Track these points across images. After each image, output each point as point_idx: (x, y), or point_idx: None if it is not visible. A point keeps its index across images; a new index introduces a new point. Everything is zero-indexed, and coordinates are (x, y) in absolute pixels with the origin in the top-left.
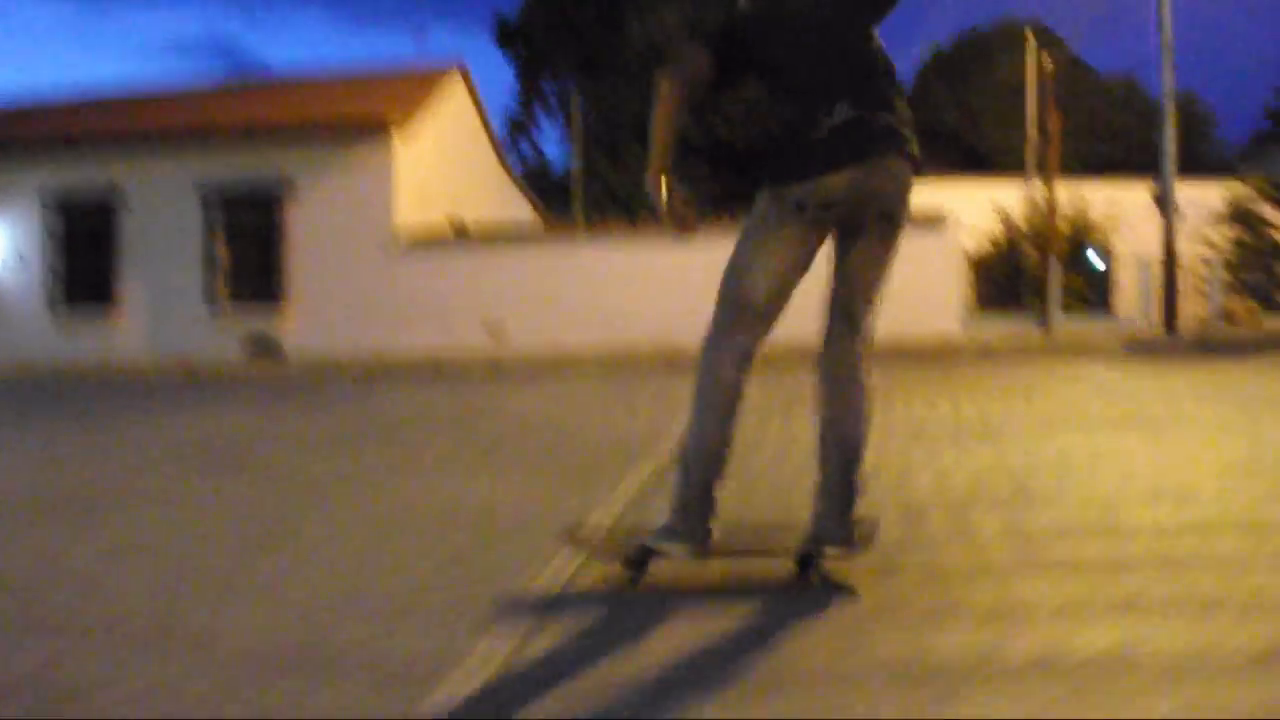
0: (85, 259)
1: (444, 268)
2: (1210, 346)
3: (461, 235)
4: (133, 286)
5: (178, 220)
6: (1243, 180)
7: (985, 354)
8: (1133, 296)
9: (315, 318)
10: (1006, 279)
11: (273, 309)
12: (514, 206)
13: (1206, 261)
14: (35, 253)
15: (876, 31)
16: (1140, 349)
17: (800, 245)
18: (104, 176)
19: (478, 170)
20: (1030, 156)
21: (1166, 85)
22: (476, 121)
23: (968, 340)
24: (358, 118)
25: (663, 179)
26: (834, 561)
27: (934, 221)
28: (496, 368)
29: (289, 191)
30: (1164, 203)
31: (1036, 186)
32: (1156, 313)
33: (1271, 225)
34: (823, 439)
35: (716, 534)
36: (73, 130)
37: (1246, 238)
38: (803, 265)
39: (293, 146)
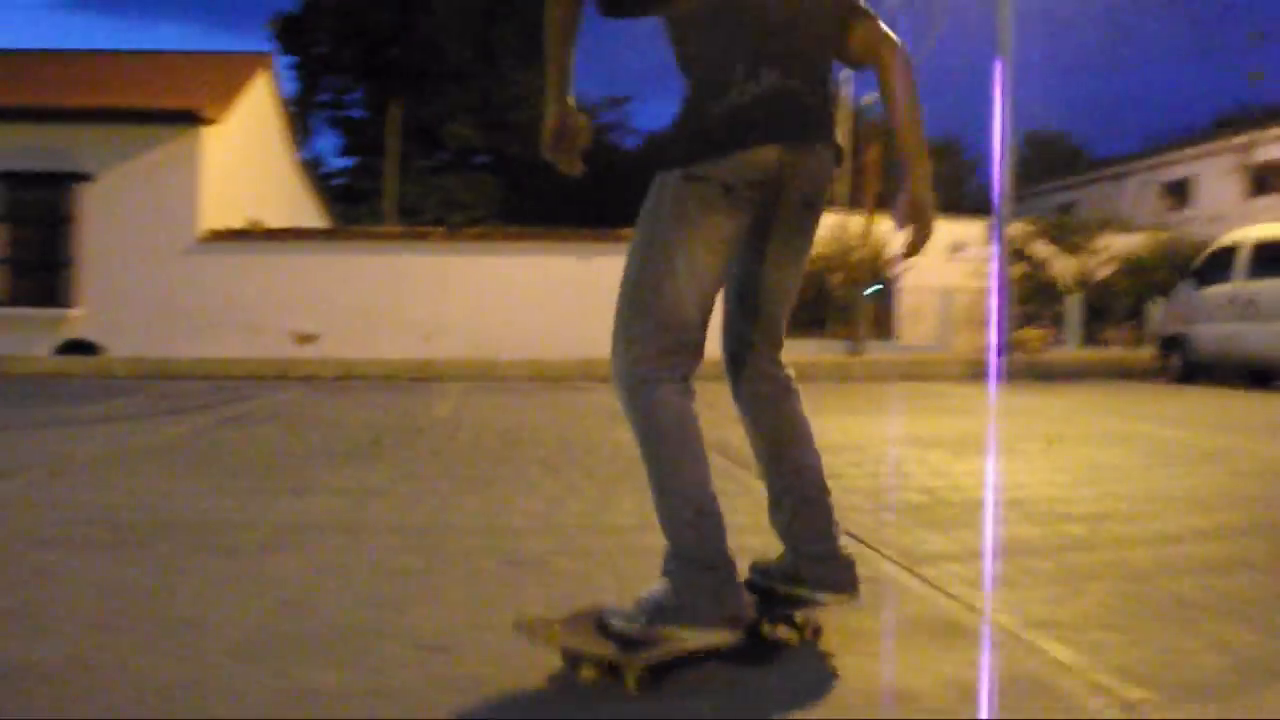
0: None
1: (252, 271)
2: (1041, 373)
3: (272, 235)
4: None
5: None
6: (1021, 220)
7: (840, 376)
8: (920, 326)
9: (107, 320)
10: (812, 304)
11: (59, 310)
12: (307, 212)
13: (985, 293)
14: None
15: None
16: (978, 373)
17: (728, 240)
18: None
19: (275, 170)
20: (842, 188)
21: (999, 135)
22: (277, 119)
23: (802, 362)
24: (167, 105)
25: (552, 105)
26: (828, 611)
27: None
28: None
29: (84, 181)
30: (998, 238)
31: (849, 218)
32: (955, 340)
33: (1045, 261)
34: (773, 475)
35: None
36: None
37: (1028, 272)
38: (727, 265)
39: (89, 131)
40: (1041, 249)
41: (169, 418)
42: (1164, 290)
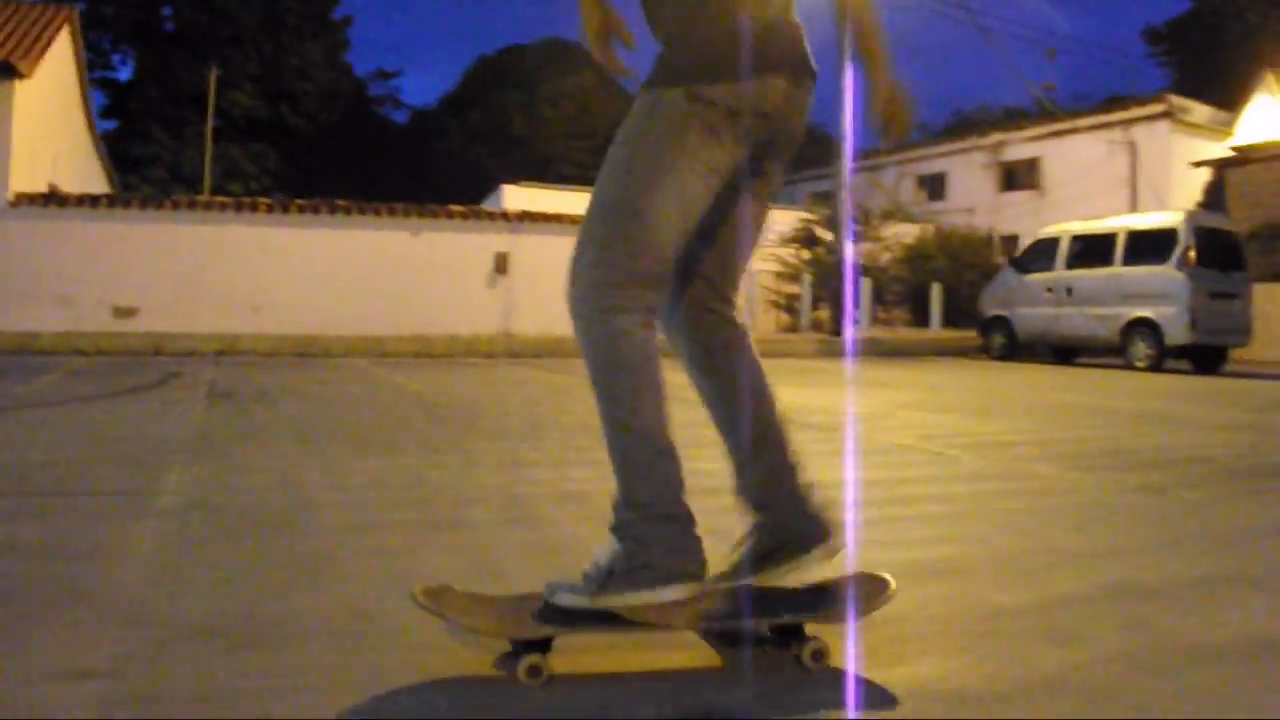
0: None
1: (67, 239)
2: (883, 350)
3: (88, 201)
4: None
5: None
6: (809, 209)
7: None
8: None
9: None
10: None
11: None
12: (96, 178)
13: (779, 277)
14: None
15: None
16: (829, 352)
17: (722, 171)
18: None
19: (72, 132)
20: None
21: (849, 126)
22: (76, 78)
23: None
24: None
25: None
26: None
27: (577, 223)
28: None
29: None
30: (837, 225)
31: None
32: (759, 321)
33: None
34: (736, 434)
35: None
36: None
37: (819, 256)
38: (714, 200)
39: None
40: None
41: (152, 396)
42: (939, 276)
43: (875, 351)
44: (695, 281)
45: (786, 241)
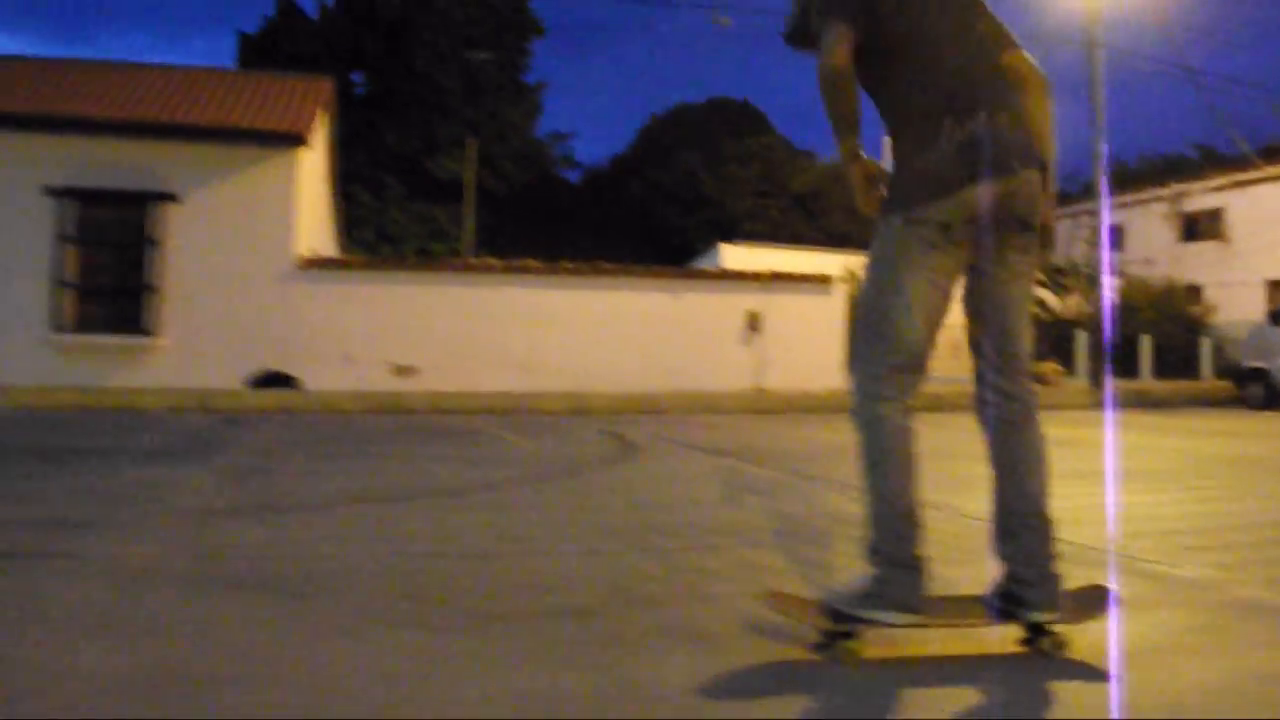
0: None
1: (349, 301)
2: (1143, 401)
3: (369, 264)
4: None
5: (15, 224)
6: None
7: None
8: None
9: (191, 349)
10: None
11: (138, 338)
12: (329, 240)
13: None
14: None
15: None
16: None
17: (949, 274)
18: None
19: (325, 198)
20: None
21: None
22: (328, 145)
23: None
24: (266, 125)
25: (854, 158)
26: (1058, 629)
27: (823, 282)
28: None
29: (168, 202)
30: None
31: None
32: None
33: (1043, 301)
34: (999, 495)
35: (926, 601)
36: None
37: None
38: (949, 296)
39: (176, 149)
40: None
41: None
42: (1149, 329)
43: (1143, 403)
44: (980, 361)
45: None
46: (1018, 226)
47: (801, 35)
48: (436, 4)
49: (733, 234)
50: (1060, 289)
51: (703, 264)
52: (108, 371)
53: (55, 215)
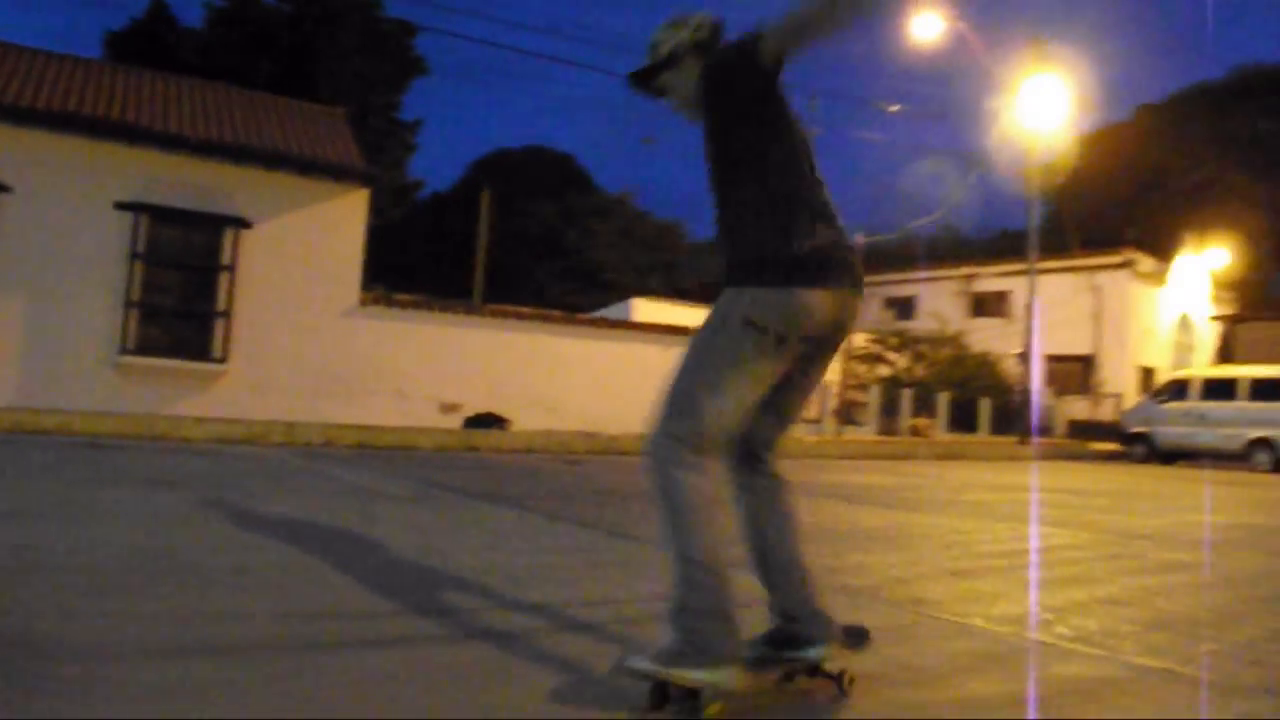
0: None
1: (403, 339)
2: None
3: (419, 304)
4: (6, 317)
5: (84, 240)
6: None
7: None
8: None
9: (256, 378)
10: None
11: (208, 364)
12: None
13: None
14: None
15: None
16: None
17: (773, 376)
18: None
19: None
20: None
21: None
22: None
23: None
24: (340, 160)
25: None
26: (836, 662)
27: None
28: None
29: (241, 227)
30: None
31: None
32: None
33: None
34: (763, 559)
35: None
36: None
37: (892, 374)
38: (769, 390)
39: (252, 174)
40: (894, 356)
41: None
42: (959, 386)
43: (1051, 455)
44: (760, 449)
45: (854, 358)
46: (837, 343)
47: (650, 76)
48: (341, 37)
49: (594, 285)
50: (894, 351)
51: (614, 315)
52: (173, 397)
53: (127, 231)
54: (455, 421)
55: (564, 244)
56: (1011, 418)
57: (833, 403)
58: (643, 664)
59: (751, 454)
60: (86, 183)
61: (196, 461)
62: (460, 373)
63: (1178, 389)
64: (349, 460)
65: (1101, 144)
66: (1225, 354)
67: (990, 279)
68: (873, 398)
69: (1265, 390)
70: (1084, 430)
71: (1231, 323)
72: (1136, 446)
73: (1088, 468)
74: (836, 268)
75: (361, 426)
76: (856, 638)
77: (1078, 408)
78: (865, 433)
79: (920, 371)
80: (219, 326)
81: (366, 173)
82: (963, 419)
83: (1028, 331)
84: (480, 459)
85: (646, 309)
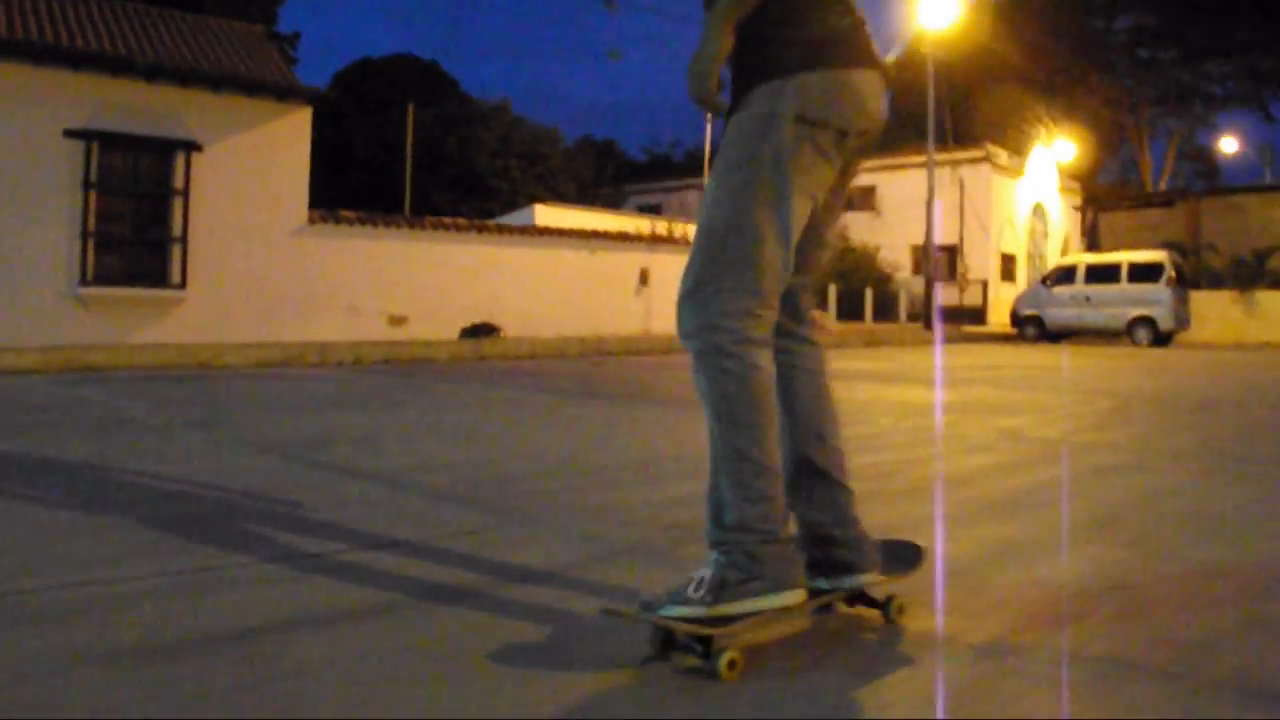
0: None
1: (350, 254)
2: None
3: (364, 220)
4: None
5: (35, 170)
6: None
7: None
8: None
9: (210, 304)
10: None
11: (168, 291)
12: None
13: None
14: None
15: None
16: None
17: (826, 189)
18: None
19: None
20: None
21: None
22: None
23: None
24: (287, 82)
25: (727, 19)
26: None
27: (686, 243)
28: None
29: (194, 151)
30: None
31: None
32: None
33: None
34: (799, 461)
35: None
36: None
37: None
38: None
39: (200, 97)
40: None
41: None
42: (843, 278)
43: (953, 339)
44: (786, 304)
45: None
46: (875, 139)
47: None
48: None
49: (475, 193)
50: None
51: (518, 221)
52: (134, 327)
53: (78, 159)
54: (401, 333)
55: (443, 152)
56: (891, 306)
57: None
58: (682, 610)
59: (785, 315)
60: (34, 111)
61: (318, 384)
62: (404, 285)
63: (1064, 274)
64: (412, 373)
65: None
66: (1091, 242)
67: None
68: None
69: (1143, 273)
70: (954, 315)
71: (1094, 212)
72: (1028, 328)
73: (995, 348)
74: (872, 48)
75: (388, 342)
76: (906, 558)
77: (947, 295)
78: None
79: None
80: (175, 252)
81: (309, 91)
82: (849, 309)
83: (928, 226)
84: (508, 367)
85: (548, 215)
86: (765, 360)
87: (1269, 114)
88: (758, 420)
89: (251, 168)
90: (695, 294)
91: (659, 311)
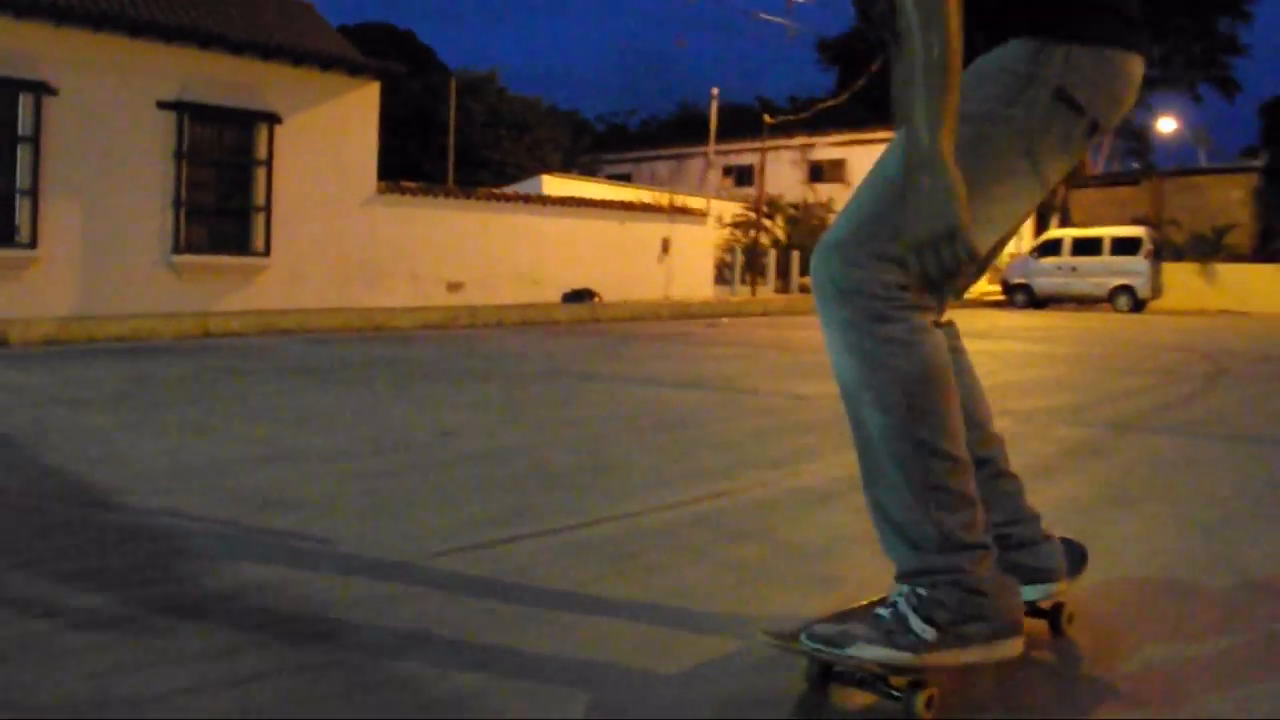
0: None
1: (414, 224)
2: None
3: (426, 190)
4: (57, 222)
5: (132, 140)
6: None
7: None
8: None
9: (293, 271)
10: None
11: (254, 258)
12: None
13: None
14: None
15: None
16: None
17: (1052, 185)
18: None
19: None
20: None
21: None
22: None
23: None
24: (356, 57)
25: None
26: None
27: (698, 214)
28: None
29: (275, 123)
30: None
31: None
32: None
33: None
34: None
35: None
36: None
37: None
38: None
39: (280, 71)
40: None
41: None
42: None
43: (952, 304)
44: (954, 296)
45: (730, 225)
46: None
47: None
48: None
49: (468, 164)
50: (769, 219)
51: (527, 190)
52: (222, 292)
53: (171, 130)
54: (458, 298)
55: (435, 123)
56: None
57: (741, 261)
58: (873, 652)
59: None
60: (129, 83)
61: (544, 340)
62: (460, 253)
63: (1051, 246)
64: (578, 333)
65: None
66: (1064, 217)
67: (826, 148)
68: (771, 261)
69: (1123, 246)
70: None
71: (1065, 189)
72: (1018, 295)
73: (996, 313)
74: (1144, 28)
75: (523, 305)
76: (1074, 557)
77: None
78: (766, 292)
79: (796, 236)
80: (259, 221)
81: (379, 67)
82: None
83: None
84: (632, 328)
85: (556, 185)
86: (938, 340)
87: (1197, 94)
88: (942, 403)
89: (326, 140)
90: (855, 252)
91: (679, 279)
